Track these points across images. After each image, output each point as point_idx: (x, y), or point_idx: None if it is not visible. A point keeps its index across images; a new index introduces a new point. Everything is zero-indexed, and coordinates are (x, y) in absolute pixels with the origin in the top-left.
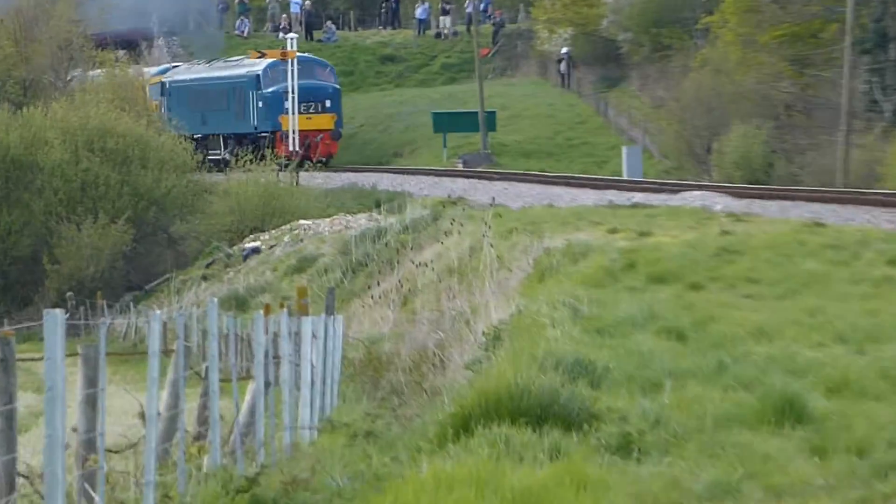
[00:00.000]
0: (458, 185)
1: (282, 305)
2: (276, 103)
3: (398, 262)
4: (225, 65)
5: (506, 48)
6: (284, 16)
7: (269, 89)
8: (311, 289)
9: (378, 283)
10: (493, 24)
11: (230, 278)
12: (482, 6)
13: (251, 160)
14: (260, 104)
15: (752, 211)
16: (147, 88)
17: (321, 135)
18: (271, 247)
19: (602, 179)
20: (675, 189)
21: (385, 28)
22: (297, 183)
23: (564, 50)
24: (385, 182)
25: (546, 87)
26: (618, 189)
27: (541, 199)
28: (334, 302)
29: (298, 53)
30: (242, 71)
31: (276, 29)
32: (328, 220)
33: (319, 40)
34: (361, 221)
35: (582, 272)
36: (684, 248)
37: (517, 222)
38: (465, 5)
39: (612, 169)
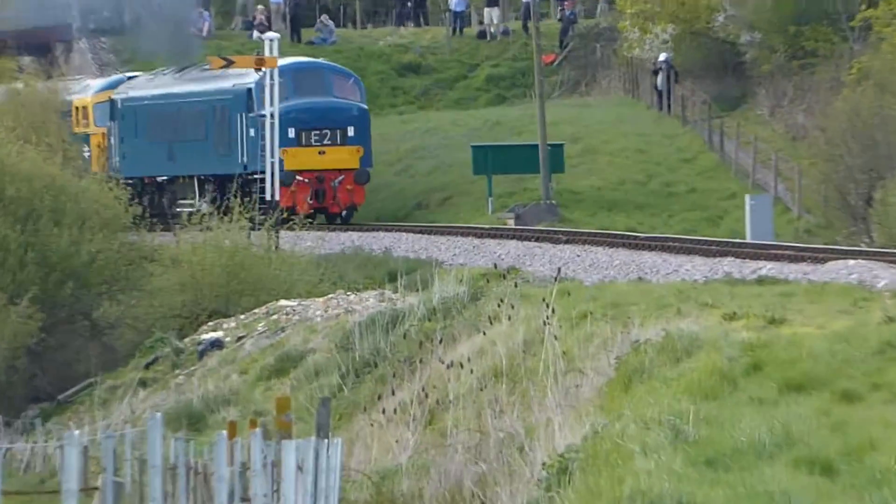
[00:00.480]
0: (509, 251)
1: (254, 424)
2: (278, 130)
3: (421, 362)
4: (202, 76)
5: (579, 54)
6: (261, 7)
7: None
8: (295, 399)
9: (393, 392)
10: (562, 20)
11: (180, 384)
12: None
13: (227, 212)
14: (251, 132)
15: None
16: (89, 109)
17: (341, 177)
18: (239, 339)
19: (716, 243)
20: (821, 257)
21: (405, 25)
22: (276, 247)
23: (663, 57)
24: (404, 245)
25: (636, 109)
26: (738, 257)
27: (627, 271)
28: (329, 419)
29: (302, 58)
30: (227, 84)
31: (250, 26)
32: (321, 300)
33: (311, 42)
34: (369, 303)
35: (686, 377)
36: (833, 342)
37: (593, 304)
38: None
39: (731, 227)
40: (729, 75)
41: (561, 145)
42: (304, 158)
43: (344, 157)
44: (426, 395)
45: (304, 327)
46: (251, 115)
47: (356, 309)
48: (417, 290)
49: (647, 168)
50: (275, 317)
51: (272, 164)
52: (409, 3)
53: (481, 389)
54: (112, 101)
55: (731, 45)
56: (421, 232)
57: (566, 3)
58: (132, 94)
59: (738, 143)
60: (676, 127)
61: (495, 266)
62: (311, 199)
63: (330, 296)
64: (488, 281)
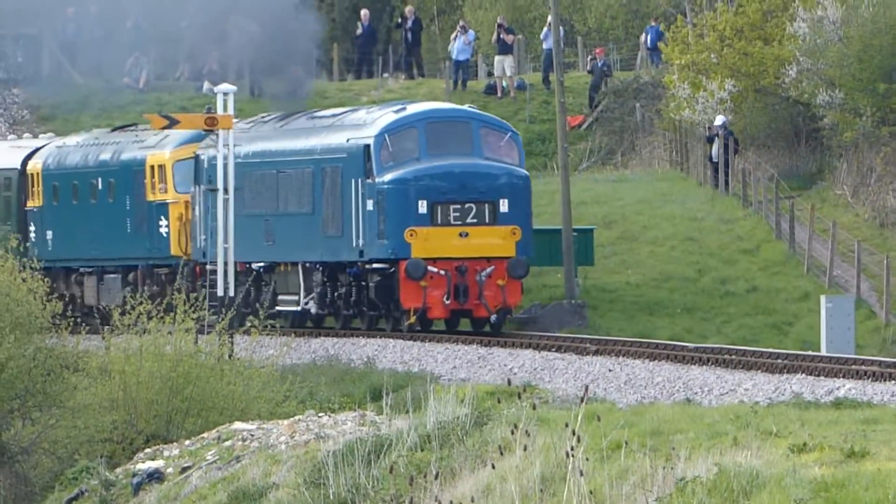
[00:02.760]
0: (524, 363)
1: None
2: (402, 203)
3: (413, 503)
4: (309, 126)
5: (614, 115)
6: (215, 53)
7: (390, 175)
8: None
9: None
10: (592, 72)
11: None
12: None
13: (355, 317)
14: (370, 205)
15: None
16: (167, 170)
17: (490, 268)
18: (184, 470)
19: (783, 355)
20: None
21: (394, 76)
22: (230, 355)
23: (720, 121)
24: (390, 355)
25: (685, 185)
26: (810, 373)
27: (672, 391)
28: None
29: (440, 104)
30: (339, 139)
31: (198, 76)
32: (286, 423)
33: (275, 96)
34: (346, 426)
35: None
36: None
37: (628, 432)
38: (541, 36)
39: (802, 336)
40: (802, 145)
41: (591, 230)
42: (439, 243)
43: (495, 241)
44: None
45: (264, 457)
46: (369, 180)
47: (330, 435)
48: (407, 412)
49: (699, 260)
50: (228, 443)
51: (225, 250)
52: (401, 47)
53: None
54: (197, 159)
55: (806, 106)
56: (412, 339)
57: (597, 50)
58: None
59: (812, 230)
60: (736, 209)
61: (508, 382)
62: (448, 299)
63: (297, 417)
64: (498, 401)
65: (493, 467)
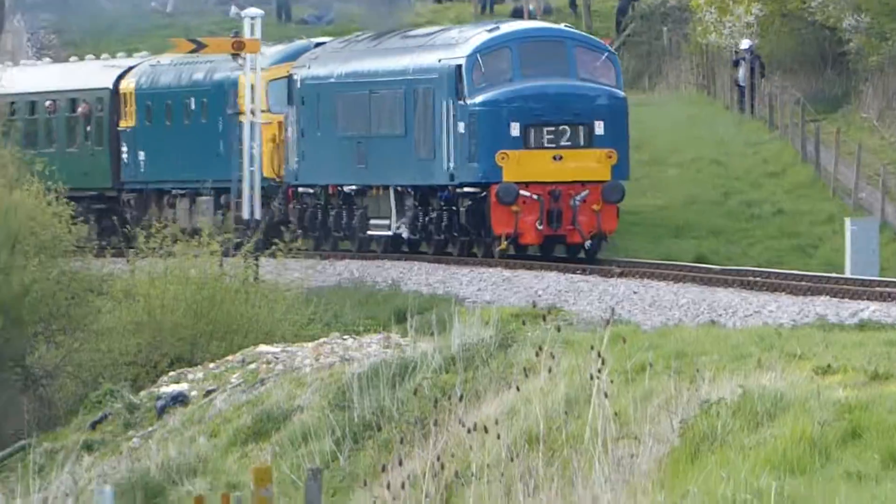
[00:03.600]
0: (549, 285)
1: (226, 499)
2: (493, 126)
3: (436, 424)
4: (402, 45)
5: (641, 39)
6: None
7: (482, 97)
8: (277, 470)
9: (400, 462)
10: None
11: (134, 448)
12: None
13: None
14: (461, 127)
15: None
16: (264, 88)
17: (585, 192)
18: (208, 393)
19: (807, 277)
20: None
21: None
22: (256, 278)
23: (746, 45)
24: (415, 277)
25: (712, 109)
26: (835, 295)
27: (696, 313)
28: (321, 494)
29: (534, 23)
30: (430, 59)
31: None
32: (311, 345)
33: (303, 20)
34: (371, 349)
35: (768, 446)
36: None
37: (653, 354)
38: None
39: (827, 258)
40: (828, 69)
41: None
42: (532, 166)
43: (590, 164)
44: (442, 467)
45: (289, 380)
46: (460, 101)
47: (355, 357)
48: (432, 335)
49: (725, 183)
50: (252, 366)
51: (251, 173)
52: None
53: (512, 459)
54: (290, 79)
55: (832, 30)
56: (437, 261)
57: None
58: (315, 69)
59: (837, 153)
60: (762, 132)
61: (532, 304)
62: (540, 225)
63: (322, 340)
64: (523, 323)
65: (518, 389)
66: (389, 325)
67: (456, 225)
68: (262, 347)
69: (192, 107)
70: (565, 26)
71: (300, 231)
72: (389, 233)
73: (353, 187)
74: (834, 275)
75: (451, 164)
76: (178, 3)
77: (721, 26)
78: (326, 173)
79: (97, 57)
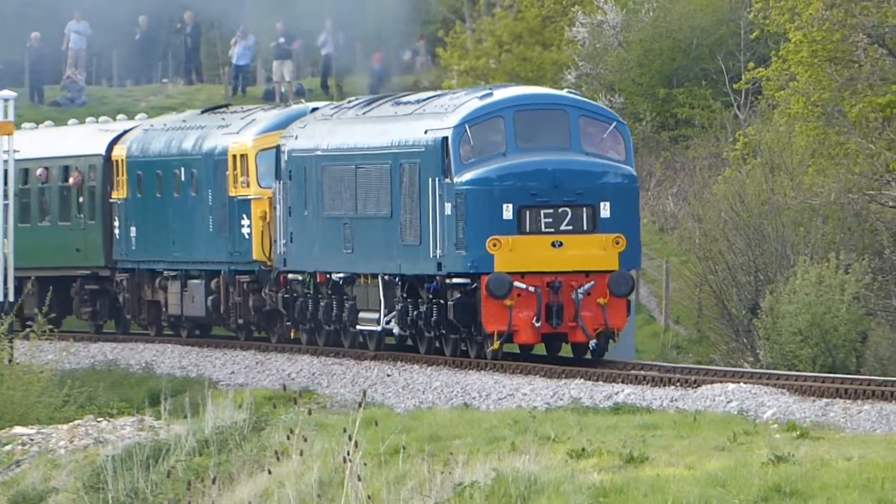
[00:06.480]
0: (301, 369)
1: None
2: (483, 207)
3: None
4: (393, 112)
5: None
6: None
7: (470, 174)
8: None
9: None
10: (370, 77)
11: None
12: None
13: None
14: (448, 209)
15: (829, 420)
16: (249, 160)
17: (589, 283)
18: None
19: (562, 360)
20: (693, 380)
21: (175, 81)
22: (10, 360)
23: None
24: (168, 360)
25: None
26: (589, 378)
27: (450, 395)
28: None
29: (531, 89)
30: (416, 131)
31: None
32: (66, 427)
33: (55, 102)
34: (125, 431)
35: None
36: (707, 486)
37: (406, 437)
38: (319, 42)
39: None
40: None
41: None
42: (528, 254)
43: (594, 252)
44: None
45: (44, 461)
46: (446, 179)
47: (109, 439)
48: (186, 417)
49: None
50: (7, 447)
51: (4, 255)
52: (180, 54)
53: None
54: (278, 150)
55: None
56: (190, 344)
57: (376, 55)
58: (302, 140)
59: None
60: None
61: (284, 388)
62: (538, 322)
63: (77, 422)
64: (275, 406)
65: (270, 472)
66: (143, 407)
67: (445, 321)
68: (17, 429)
69: (182, 178)
70: (567, 92)
71: (289, 323)
72: (378, 328)
73: (341, 275)
74: (587, 357)
75: (439, 252)
76: None
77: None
78: (314, 258)
79: (97, 119)
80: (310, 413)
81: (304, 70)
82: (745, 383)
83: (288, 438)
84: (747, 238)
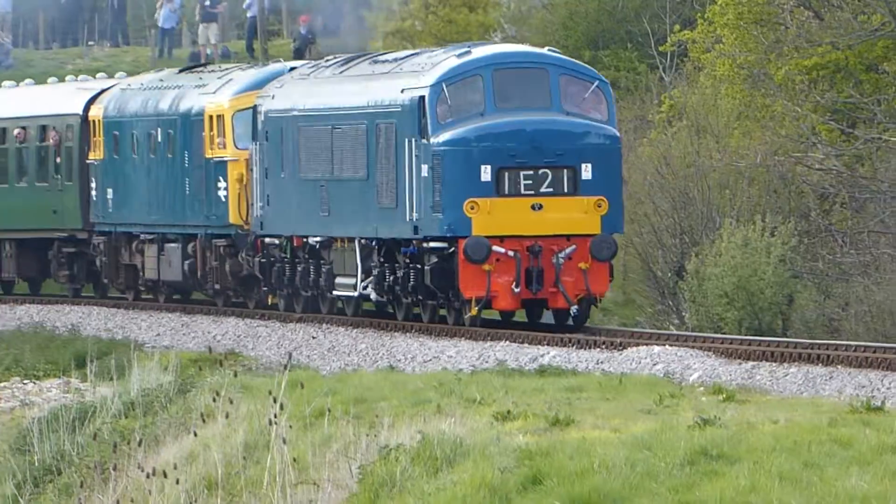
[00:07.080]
0: (227, 331)
1: None
2: (461, 169)
3: (116, 469)
4: (371, 71)
5: None
6: None
7: (447, 134)
8: None
9: None
10: (296, 39)
11: None
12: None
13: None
14: (425, 171)
15: (755, 383)
16: (226, 121)
17: (570, 247)
18: None
19: (486, 322)
20: (618, 342)
21: (101, 44)
22: None
23: None
24: (95, 322)
25: None
26: (514, 340)
27: (375, 358)
28: None
29: (509, 46)
30: (393, 91)
31: None
32: None
33: None
34: (51, 394)
35: (447, 492)
36: (632, 449)
37: (332, 399)
38: (245, 4)
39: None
40: None
41: None
42: (507, 217)
43: (575, 215)
44: None
45: None
46: (424, 140)
47: (35, 402)
48: (112, 379)
49: None
50: None
51: None
52: (108, 16)
53: None
54: (255, 110)
55: None
56: (116, 305)
57: (302, 18)
58: (279, 100)
59: None
60: None
61: (210, 350)
62: (517, 287)
63: (2, 384)
64: (200, 368)
65: (196, 435)
66: (69, 369)
67: (422, 286)
68: None
69: (159, 139)
70: (549, 50)
71: (266, 288)
72: (355, 293)
73: (318, 239)
74: (513, 320)
75: (415, 215)
76: None
77: None
78: (291, 222)
79: (77, 77)
80: (235, 375)
81: (229, 33)
82: (671, 346)
83: (214, 401)
84: (673, 200)
